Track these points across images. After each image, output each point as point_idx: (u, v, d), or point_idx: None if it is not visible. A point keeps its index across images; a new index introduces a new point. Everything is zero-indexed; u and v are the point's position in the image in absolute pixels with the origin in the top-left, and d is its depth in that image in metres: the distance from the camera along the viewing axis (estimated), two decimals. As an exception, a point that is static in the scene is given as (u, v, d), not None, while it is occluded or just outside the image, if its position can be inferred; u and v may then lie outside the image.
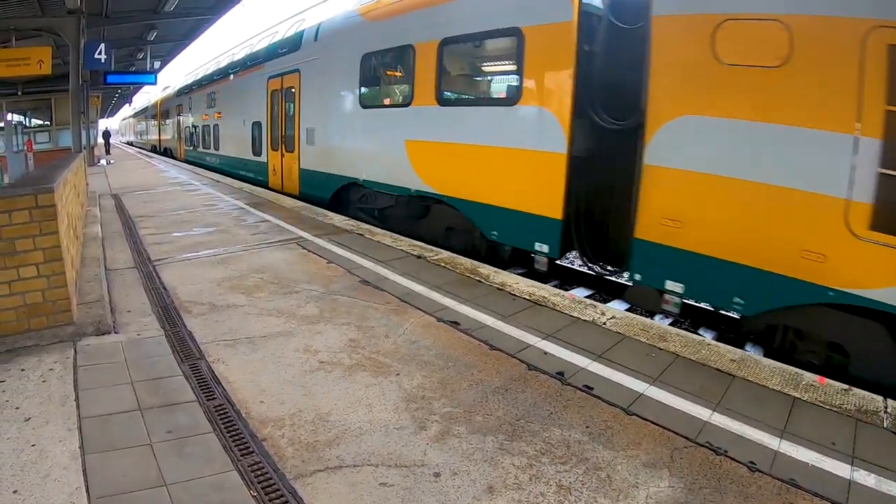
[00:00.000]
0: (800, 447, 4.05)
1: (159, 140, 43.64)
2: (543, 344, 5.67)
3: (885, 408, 4.72)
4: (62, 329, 5.51)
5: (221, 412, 4.17)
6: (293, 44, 15.93)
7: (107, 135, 51.40)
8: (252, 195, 15.79)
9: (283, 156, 16.89)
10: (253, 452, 3.71)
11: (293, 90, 15.65)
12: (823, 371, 5.70)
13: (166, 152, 39.11)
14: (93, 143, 36.61)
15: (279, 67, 16.71)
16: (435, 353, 5.35)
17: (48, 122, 43.84)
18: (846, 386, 5.08)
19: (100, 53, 23.43)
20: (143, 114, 56.64)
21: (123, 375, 4.77)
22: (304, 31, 15.54)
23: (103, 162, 33.09)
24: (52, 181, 5.70)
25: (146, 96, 55.45)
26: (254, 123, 18.39)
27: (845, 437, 4.25)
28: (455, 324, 6.09)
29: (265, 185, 17.99)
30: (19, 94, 40.29)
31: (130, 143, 70.68)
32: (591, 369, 5.16)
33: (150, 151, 47.22)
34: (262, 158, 18.38)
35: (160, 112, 42.36)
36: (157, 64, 42.57)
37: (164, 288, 7.19)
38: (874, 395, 4.94)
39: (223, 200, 14.87)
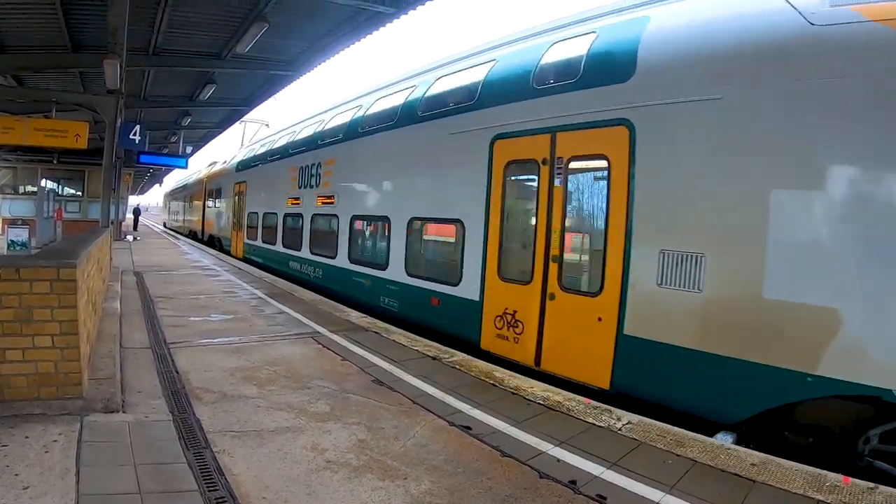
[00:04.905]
0: None
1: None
2: (557, 451, 5.55)
3: None
4: (71, 402, 5.49)
5: (222, 505, 4.07)
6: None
7: (136, 212, 52.63)
8: (272, 286, 15.95)
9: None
10: (251, 550, 3.60)
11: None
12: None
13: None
14: (121, 219, 37.15)
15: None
16: (445, 457, 5.23)
17: (80, 193, 44.87)
18: (872, 484, 4.97)
19: (134, 134, 24.30)
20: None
21: (127, 456, 4.71)
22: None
23: (130, 238, 33.59)
24: (75, 256, 5.76)
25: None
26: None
27: None
28: (467, 428, 5.98)
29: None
30: (55, 161, 41.42)
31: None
32: (604, 477, 5.04)
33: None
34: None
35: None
36: (189, 148, 43.65)
37: (177, 372, 7.18)
38: None
39: (243, 288, 15.03)
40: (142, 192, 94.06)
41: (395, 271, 12.25)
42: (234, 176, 27.81)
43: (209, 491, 4.26)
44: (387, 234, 12.78)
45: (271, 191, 21.71)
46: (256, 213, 23.14)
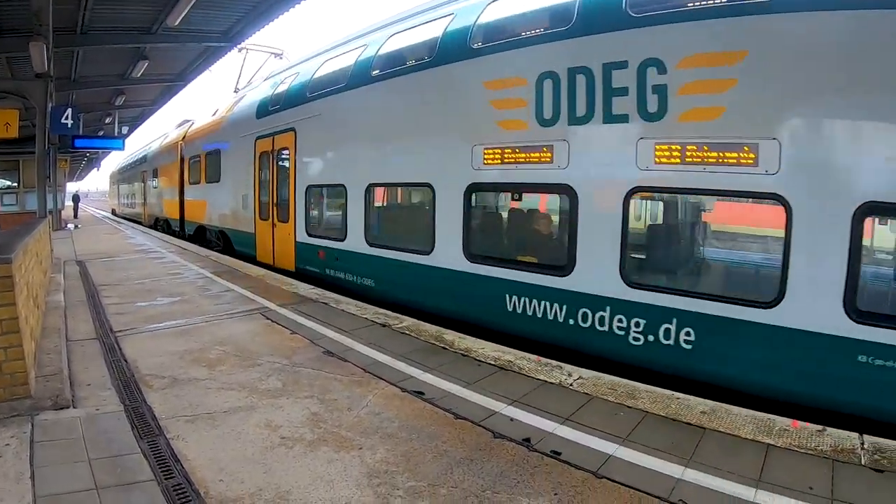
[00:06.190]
0: (776, 495, 4.11)
1: None
2: (509, 410, 5.67)
3: (862, 444, 4.84)
4: (19, 402, 5.41)
5: (180, 492, 4.10)
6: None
7: (76, 199, 51.35)
8: (218, 263, 15.80)
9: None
10: (211, 534, 3.64)
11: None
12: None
13: None
14: (60, 207, 36.32)
15: None
16: (398, 424, 5.32)
17: (16, 184, 43.63)
18: (820, 427, 5.18)
19: (66, 118, 23.53)
20: None
21: (81, 453, 4.68)
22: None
23: (70, 226, 32.81)
24: (10, 251, 5.65)
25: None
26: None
27: (823, 479, 4.33)
28: (419, 393, 6.08)
29: None
30: (-14, 154, 40.24)
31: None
32: (558, 433, 5.17)
33: None
34: None
35: None
36: (124, 129, 42.75)
37: (125, 360, 7.11)
38: (850, 433, 5.05)
39: (188, 269, 14.82)
40: (80, 178, 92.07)
41: None
42: (254, 125, 16.95)
43: (166, 479, 4.27)
44: None
45: (399, 139, 11.29)
46: (341, 185, 12.72)
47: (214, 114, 22.50)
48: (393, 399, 5.94)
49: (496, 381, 6.47)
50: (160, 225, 30.56)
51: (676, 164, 7.02)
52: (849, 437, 4.98)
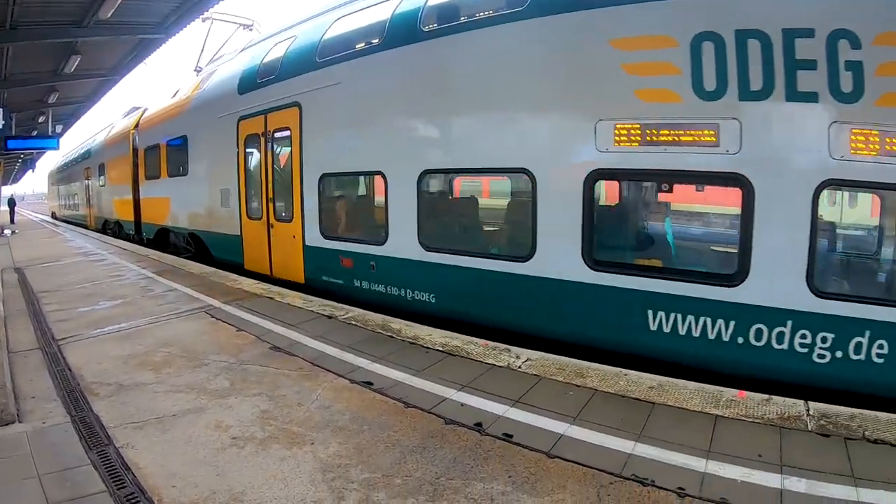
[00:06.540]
0: (727, 465, 4.25)
1: None
2: (460, 395, 5.74)
3: (808, 411, 5.01)
4: (-37, 422, 5.30)
5: (133, 501, 4.08)
6: None
7: (11, 202, 49.77)
8: (160, 262, 15.56)
9: None
10: (166, 542, 3.63)
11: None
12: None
13: None
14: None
15: None
16: (349, 416, 5.35)
17: (-52, 192, 42.36)
18: (766, 396, 5.33)
19: (-3, 119, 22.76)
20: None
21: (29, 469, 4.60)
22: None
23: (7, 232, 31.91)
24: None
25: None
26: None
27: (771, 446, 4.48)
28: (369, 384, 6.11)
29: None
30: (-86, 159, 39.01)
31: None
32: (509, 416, 5.25)
33: None
34: None
35: None
36: (59, 127, 41.63)
37: (70, 369, 6.98)
38: (795, 400, 5.21)
39: (129, 270, 14.58)
40: (15, 180, 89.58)
41: None
42: (236, 103, 13.76)
43: (118, 489, 4.24)
44: None
45: (473, 113, 8.75)
46: (378, 173, 10.11)
47: (174, 95, 19.79)
48: (342, 391, 5.97)
49: (445, 367, 6.54)
50: (111, 228, 27.16)
51: (874, 155, 5.80)
52: (794, 405, 5.15)
